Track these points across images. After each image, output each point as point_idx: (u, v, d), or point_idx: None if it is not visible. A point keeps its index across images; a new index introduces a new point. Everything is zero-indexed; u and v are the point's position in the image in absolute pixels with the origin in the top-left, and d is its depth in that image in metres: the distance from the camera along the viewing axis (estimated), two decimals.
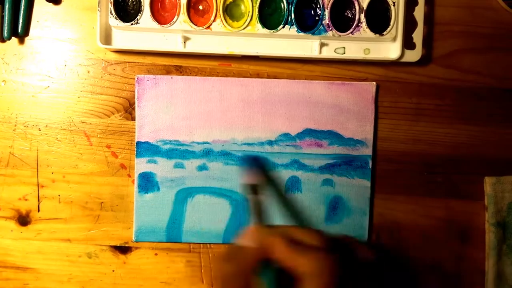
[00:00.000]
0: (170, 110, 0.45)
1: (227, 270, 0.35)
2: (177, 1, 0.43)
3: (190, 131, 0.45)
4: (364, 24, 0.43)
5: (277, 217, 0.44)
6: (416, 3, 0.44)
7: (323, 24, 0.43)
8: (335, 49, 0.44)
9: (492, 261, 0.45)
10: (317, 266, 0.33)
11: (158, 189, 0.45)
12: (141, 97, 0.44)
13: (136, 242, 0.45)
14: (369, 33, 0.43)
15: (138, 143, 0.45)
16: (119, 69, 0.45)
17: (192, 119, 0.45)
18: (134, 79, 0.45)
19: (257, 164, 0.44)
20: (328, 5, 0.43)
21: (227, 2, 0.43)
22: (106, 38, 0.44)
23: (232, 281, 0.35)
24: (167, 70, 0.45)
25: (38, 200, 0.45)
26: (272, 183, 0.45)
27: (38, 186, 0.45)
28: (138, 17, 0.43)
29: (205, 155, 0.45)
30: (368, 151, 0.45)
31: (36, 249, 0.45)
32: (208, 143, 0.45)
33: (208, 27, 0.43)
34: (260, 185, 0.40)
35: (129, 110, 0.45)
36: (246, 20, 0.43)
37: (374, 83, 0.45)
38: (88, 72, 0.45)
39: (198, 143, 0.45)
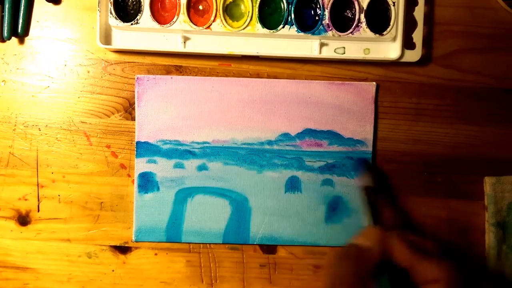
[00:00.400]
0: (170, 110, 0.45)
1: (344, 270, 0.35)
2: (177, 1, 0.43)
3: (190, 131, 0.45)
4: (364, 24, 0.43)
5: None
6: (416, 3, 0.44)
7: (323, 24, 0.43)
8: (335, 49, 0.44)
9: (492, 261, 0.44)
10: (444, 274, 0.34)
11: (158, 189, 0.45)
12: (141, 97, 0.44)
13: (136, 242, 0.45)
14: (369, 33, 0.43)
15: (138, 143, 0.45)
16: (119, 69, 0.45)
17: (192, 119, 0.45)
18: (134, 79, 0.45)
19: (372, 167, 0.44)
20: (328, 5, 0.43)
21: (227, 2, 0.43)
22: (106, 38, 0.44)
23: (348, 281, 0.35)
24: (167, 70, 0.45)
25: (38, 200, 0.45)
26: (386, 187, 0.45)
27: (38, 186, 0.45)
28: (138, 17, 0.43)
29: (205, 155, 0.45)
30: (368, 151, 0.45)
31: (36, 249, 0.45)
32: (208, 143, 0.45)
33: (208, 27, 0.43)
34: (375, 187, 0.41)
35: (129, 110, 0.45)
36: (246, 20, 0.43)
37: (374, 83, 0.45)
38: (88, 72, 0.45)
39: (198, 143, 0.45)
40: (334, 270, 0.36)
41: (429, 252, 0.36)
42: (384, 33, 0.43)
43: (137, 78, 0.44)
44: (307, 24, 0.44)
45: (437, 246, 0.37)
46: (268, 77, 0.45)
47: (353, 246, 0.37)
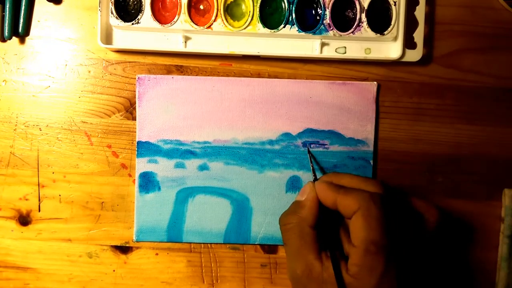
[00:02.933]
0: (171, 110, 0.45)
1: (288, 225, 0.37)
2: (178, 0, 0.43)
3: (191, 131, 0.45)
4: (365, 24, 0.43)
5: None
6: (417, 3, 0.44)
7: (324, 24, 0.43)
8: (336, 48, 0.44)
9: (504, 273, 0.44)
10: (361, 203, 0.34)
11: (159, 189, 0.45)
12: (142, 96, 0.44)
13: (137, 242, 0.45)
14: (370, 33, 0.43)
15: (138, 142, 0.45)
16: (120, 69, 0.45)
17: (193, 119, 0.45)
18: (135, 78, 0.45)
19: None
20: (329, 4, 0.43)
21: (228, 2, 0.43)
22: (107, 38, 0.44)
23: (294, 234, 0.36)
24: (168, 70, 0.45)
25: (39, 200, 0.45)
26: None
27: (38, 186, 0.45)
28: (139, 16, 0.43)
29: (206, 155, 0.45)
30: (369, 151, 0.45)
31: (37, 249, 0.45)
32: (209, 142, 0.45)
33: (209, 27, 0.43)
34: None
35: (129, 109, 0.45)
36: (247, 20, 0.43)
37: (375, 82, 0.45)
38: (89, 71, 0.45)
39: (199, 142, 0.45)
40: (284, 227, 0.38)
41: (358, 189, 0.36)
42: (385, 32, 0.43)
43: (138, 78, 0.44)
44: (308, 23, 0.44)
45: (376, 186, 0.37)
46: (269, 77, 0.45)
47: (293, 204, 0.39)
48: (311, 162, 0.43)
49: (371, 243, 0.33)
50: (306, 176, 0.45)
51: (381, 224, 0.34)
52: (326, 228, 0.37)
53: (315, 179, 0.40)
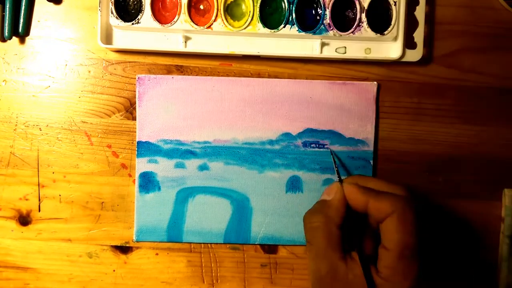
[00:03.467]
0: (171, 110, 0.44)
1: (314, 224, 0.36)
2: (178, 0, 0.43)
3: (191, 130, 0.45)
4: (365, 24, 0.43)
5: None
6: (417, 3, 0.44)
7: (324, 24, 0.43)
8: (336, 48, 0.44)
9: (504, 273, 0.44)
10: (396, 206, 0.34)
11: (159, 189, 0.45)
12: (142, 96, 0.44)
13: (137, 242, 0.45)
14: (370, 33, 0.43)
15: (139, 142, 0.45)
16: (120, 69, 0.45)
17: (193, 118, 0.45)
18: (135, 78, 0.45)
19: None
20: (329, 4, 0.43)
21: (228, 2, 0.43)
22: (107, 38, 0.44)
23: (320, 233, 0.36)
24: (168, 70, 0.45)
25: (39, 200, 0.45)
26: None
27: (38, 186, 0.45)
28: (139, 16, 0.43)
29: (206, 155, 0.45)
30: (369, 151, 0.45)
31: (37, 249, 0.45)
32: (209, 142, 0.45)
33: (209, 27, 0.43)
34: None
35: (130, 109, 0.45)
36: (247, 20, 0.43)
37: (375, 82, 0.45)
38: (89, 71, 0.45)
39: (199, 142, 0.45)
40: (308, 225, 0.37)
41: (387, 192, 0.36)
42: (385, 32, 0.43)
43: (138, 77, 0.44)
44: (308, 23, 0.44)
45: (401, 189, 0.36)
46: (269, 76, 0.45)
47: (318, 202, 0.38)
48: (335, 162, 0.43)
49: (406, 247, 0.33)
50: (306, 176, 0.45)
51: (415, 228, 0.34)
52: (349, 229, 0.37)
53: (340, 180, 0.39)
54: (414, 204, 0.35)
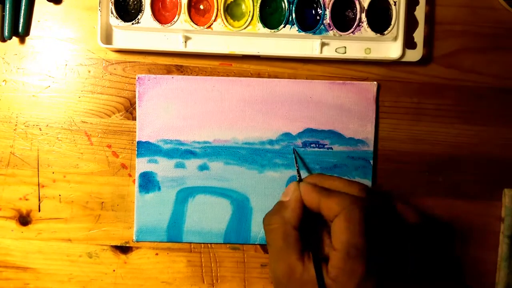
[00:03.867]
0: (171, 110, 0.44)
1: (271, 226, 0.37)
2: (178, 0, 0.43)
3: (191, 130, 0.45)
4: (365, 24, 0.43)
5: None
6: (417, 3, 0.44)
7: (324, 24, 0.43)
8: (336, 48, 0.44)
9: (504, 273, 0.44)
10: (342, 207, 0.34)
11: (159, 188, 0.45)
12: (142, 96, 0.44)
13: (137, 242, 0.45)
14: (370, 33, 0.43)
15: (139, 142, 0.45)
16: (120, 69, 0.45)
17: (193, 118, 0.45)
18: (135, 78, 0.45)
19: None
20: (329, 4, 0.43)
21: (228, 2, 0.43)
22: (107, 38, 0.44)
23: (277, 234, 0.36)
24: (168, 70, 0.45)
25: (39, 200, 0.45)
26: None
27: (38, 186, 0.45)
28: (139, 16, 0.43)
29: (206, 154, 0.45)
30: (369, 151, 0.45)
31: (37, 249, 0.45)
32: (209, 142, 0.45)
33: (209, 27, 0.43)
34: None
35: (129, 109, 0.45)
36: (247, 20, 0.43)
37: (375, 82, 0.45)
38: (89, 71, 0.45)
39: (199, 142, 0.45)
40: (267, 227, 0.37)
41: (340, 192, 0.35)
42: (385, 32, 0.43)
43: (138, 77, 0.44)
44: (308, 23, 0.44)
45: (359, 189, 0.36)
46: (269, 76, 0.45)
47: (277, 204, 0.38)
48: (296, 162, 0.43)
49: (351, 246, 0.33)
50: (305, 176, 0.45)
51: (362, 228, 0.33)
52: (308, 229, 0.37)
53: (300, 180, 0.39)
54: (365, 204, 0.34)
